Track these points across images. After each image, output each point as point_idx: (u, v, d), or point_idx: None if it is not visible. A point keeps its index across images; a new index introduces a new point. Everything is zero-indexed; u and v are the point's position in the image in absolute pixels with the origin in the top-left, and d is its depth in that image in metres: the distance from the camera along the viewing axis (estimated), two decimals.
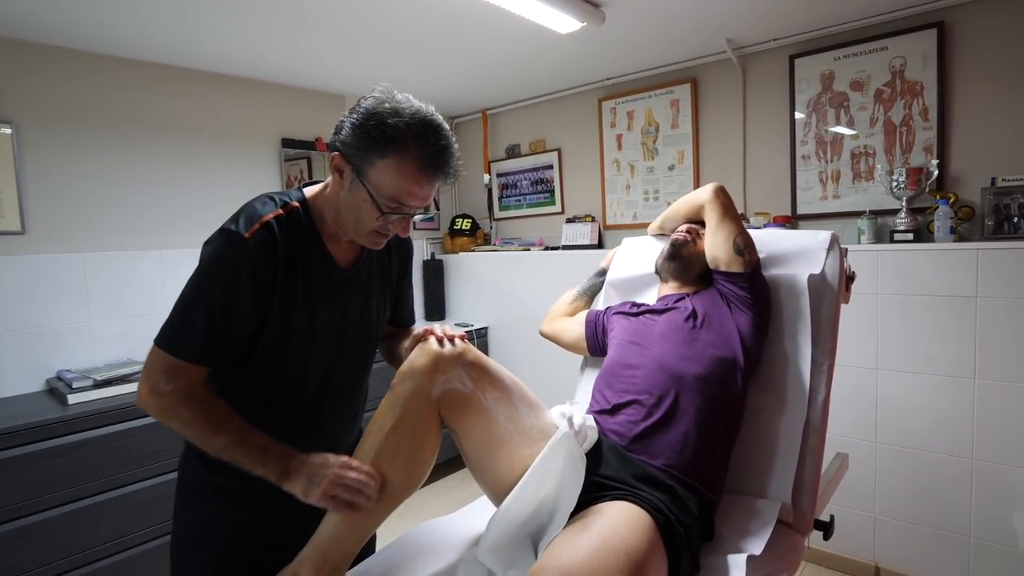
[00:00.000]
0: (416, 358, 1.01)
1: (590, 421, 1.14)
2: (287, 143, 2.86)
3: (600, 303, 1.65)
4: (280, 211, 0.94)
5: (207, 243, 0.92)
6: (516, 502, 1.00)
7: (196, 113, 2.54)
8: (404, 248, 1.18)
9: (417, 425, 0.98)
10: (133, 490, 1.92)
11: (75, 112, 2.22)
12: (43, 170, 2.15)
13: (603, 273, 1.69)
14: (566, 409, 1.12)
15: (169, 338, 0.91)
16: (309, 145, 2.95)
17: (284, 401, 1.02)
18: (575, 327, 1.57)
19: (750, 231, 1.50)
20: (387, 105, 0.88)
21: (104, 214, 2.29)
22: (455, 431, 1.06)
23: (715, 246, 1.37)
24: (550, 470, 1.01)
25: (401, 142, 0.86)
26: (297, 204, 0.96)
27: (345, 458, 0.93)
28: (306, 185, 1.02)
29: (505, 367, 1.12)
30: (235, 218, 0.92)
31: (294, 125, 2.90)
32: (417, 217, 1.06)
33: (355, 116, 0.89)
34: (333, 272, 1.00)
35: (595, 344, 1.51)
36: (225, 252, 0.90)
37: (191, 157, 2.52)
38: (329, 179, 0.98)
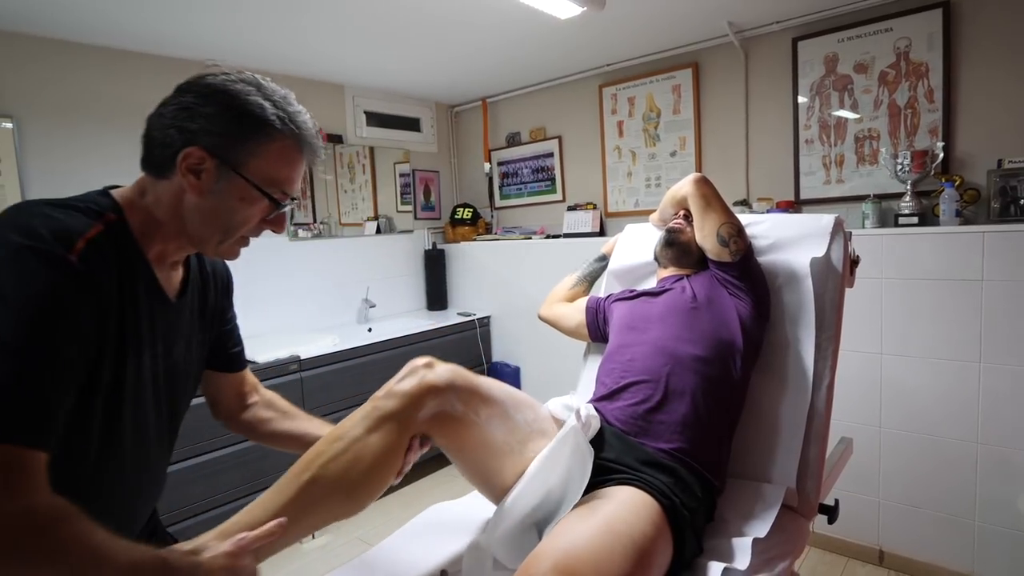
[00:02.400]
0: (404, 381, 0.97)
1: (591, 410, 1.14)
2: None
3: (602, 291, 1.65)
4: (100, 226, 0.70)
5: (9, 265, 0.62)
6: (523, 494, 1.00)
7: None
8: (222, 274, 0.98)
9: (386, 443, 0.93)
10: None
11: (76, 105, 2.21)
12: (45, 164, 2.14)
13: (604, 259, 1.69)
14: (571, 401, 1.12)
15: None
16: None
17: (87, 478, 0.75)
18: (575, 313, 1.57)
19: (752, 216, 1.50)
20: (243, 84, 0.75)
21: None
22: (447, 449, 1.04)
23: (702, 239, 1.38)
24: (558, 462, 1.01)
25: (281, 121, 0.76)
26: (115, 216, 0.73)
27: (231, 543, 0.72)
28: (109, 188, 0.79)
29: (498, 380, 1.12)
30: (30, 233, 0.63)
31: None
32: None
33: (212, 100, 0.73)
34: (161, 305, 0.80)
35: (596, 331, 1.52)
36: (45, 280, 0.62)
37: None
38: (138, 182, 0.79)
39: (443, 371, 0.99)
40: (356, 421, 0.94)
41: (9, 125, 2.05)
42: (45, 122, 2.14)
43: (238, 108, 0.73)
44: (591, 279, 1.69)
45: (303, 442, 0.99)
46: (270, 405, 1.07)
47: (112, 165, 2.30)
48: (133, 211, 0.76)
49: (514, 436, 1.05)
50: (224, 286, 0.98)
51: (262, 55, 2.52)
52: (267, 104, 0.75)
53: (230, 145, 0.73)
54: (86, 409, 0.70)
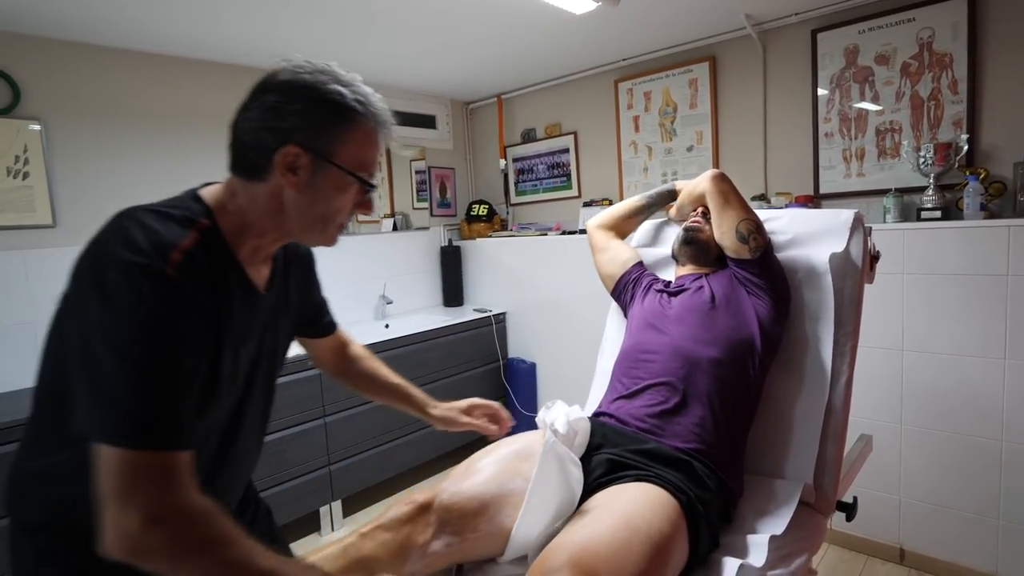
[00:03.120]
0: (383, 532, 0.93)
1: (576, 413, 1.11)
2: None
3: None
4: (195, 235, 0.72)
5: (98, 285, 0.66)
6: (525, 523, 0.98)
7: (215, 104, 2.57)
8: (304, 255, 1.02)
9: None
10: None
11: (102, 107, 2.26)
12: (72, 165, 2.20)
13: (673, 194, 1.58)
14: (546, 415, 1.10)
15: (139, 428, 0.63)
16: None
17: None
18: (615, 266, 1.54)
19: (770, 211, 1.48)
20: (319, 74, 0.77)
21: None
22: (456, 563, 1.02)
23: (721, 236, 1.37)
24: (549, 482, 0.99)
25: (361, 105, 0.78)
26: (207, 223, 0.75)
27: None
28: (199, 189, 0.81)
29: (491, 452, 1.08)
30: (132, 246, 0.66)
31: None
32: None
33: (296, 95, 0.75)
34: (254, 300, 0.83)
35: (619, 296, 1.54)
36: (156, 298, 0.66)
37: (211, 148, 2.55)
38: (227, 185, 0.80)
39: (433, 520, 0.95)
40: (333, 555, 0.90)
41: (37, 127, 2.10)
42: (72, 124, 2.19)
43: (321, 99, 0.75)
44: (653, 209, 1.61)
45: (381, 397, 1.14)
46: (356, 361, 1.16)
47: (136, 165, 2.35)
48: (224, 214, 0.78)
49: (516, 507, 1.00)
50: (307, 266, 1.02)
51: (277, 52, 2.54)
52: (345, 91, 0.77)
53: (321, 137, 0.75)
54: (198, 406, 0.75)
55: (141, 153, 2.37)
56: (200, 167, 2.51)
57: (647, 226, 1.69)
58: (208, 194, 0.80)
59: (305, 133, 0.74)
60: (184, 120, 2.48)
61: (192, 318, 0.69)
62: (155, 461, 0.64)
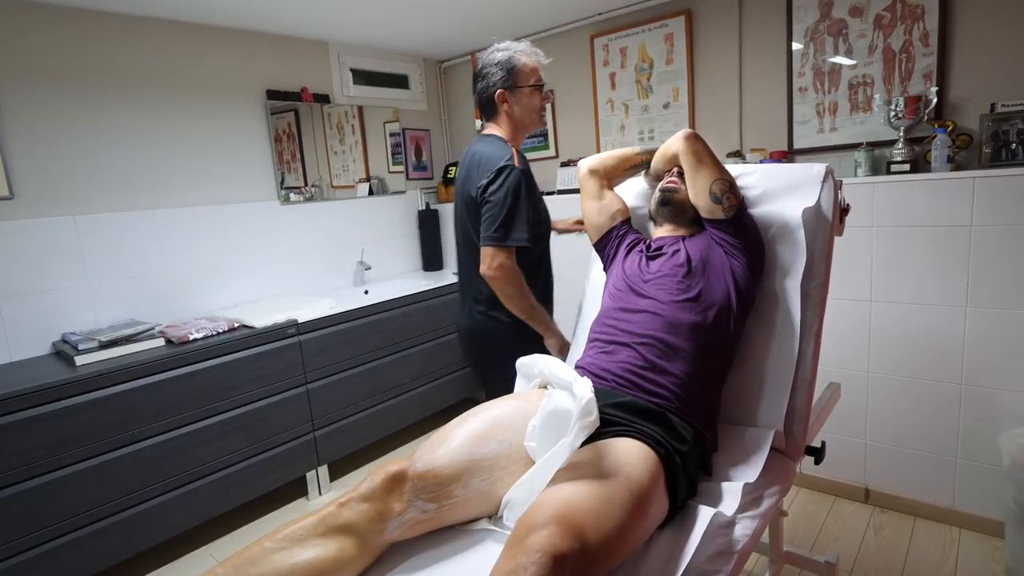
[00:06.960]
0: (358, 505, 0.95)
1: (584, 391, 1.02)
2: (272, 95, 2.78)
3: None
4: (515, 150, 1.56)
5: (503, 176, 1.50)
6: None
7: (178, 67, 2.46)
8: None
9: (331, 556, 0.91)
10: (146, 446, 1.99)
11: (55, 71, 2.15)
12: (27, 133, 2.10)
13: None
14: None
15: (515, 235, 1.49)
16: (295, 96, 2.87)
17: (547, 270, 1.73)
18: (604, 217, 1.52)
19: (742, 167, 1.49)
20: (498, 51, 1.61)
21: (92, 175, 2.25)
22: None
23: (695, 196, 1.37)
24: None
25: (515, 55, 1.60)
26: (512, 144, 1.60)
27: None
28: (483, 136, 1.65)
29: (464, 420, 1.10)
30: (506, 157, 1.53)
31: (279, 76, 2.82)
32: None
33: (495, 66, 1.59)
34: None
35: (602, 248, 1.53)
36: (524, 178, 1.53)
37: (176, 113, 2.46)
38: (491, 123, 1.66)
39: (408, 488, 0.97)
40: (311, 524, 0.93)
41: None
42: (23, 89, 2.08)
43: (502, 63, 1.59)
44: (648, 163, 1.56)
45: None
46: None
47: (94, 132, 2.26)
48: (507, 138, 1.63)
49: (493, 472, 1.04)
50: None
51: (244, 12, 2.44)
52: (509, 54, 1.59)
53: (509, 79, 1.59)
54: (542, 235, 1.70)
55: (99, 117, 2.27)
56: (159, 130, 2.42)
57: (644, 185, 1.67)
58: (497, 132, 1.64)
59: (503, 82, 1.59)
60: (139, 80, 2.37)
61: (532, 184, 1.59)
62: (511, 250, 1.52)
